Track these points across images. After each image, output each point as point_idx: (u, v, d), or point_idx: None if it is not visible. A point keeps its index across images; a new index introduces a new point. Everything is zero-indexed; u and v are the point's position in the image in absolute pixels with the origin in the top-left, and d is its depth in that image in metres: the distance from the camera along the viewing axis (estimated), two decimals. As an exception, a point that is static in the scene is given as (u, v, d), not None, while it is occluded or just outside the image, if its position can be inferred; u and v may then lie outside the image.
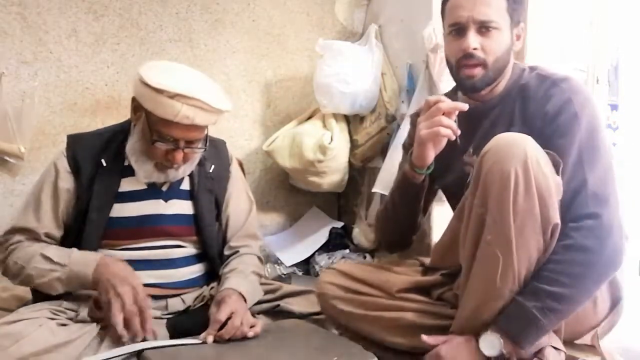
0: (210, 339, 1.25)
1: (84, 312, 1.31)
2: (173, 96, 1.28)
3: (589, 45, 1.97)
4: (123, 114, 2.06)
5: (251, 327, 1.31)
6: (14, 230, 1.40)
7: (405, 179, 1.36)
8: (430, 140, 1.26)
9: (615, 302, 1.23)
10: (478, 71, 1.27)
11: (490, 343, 1.11)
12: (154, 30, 2.20)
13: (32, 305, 1.32)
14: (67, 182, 1.41)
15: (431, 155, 1.29)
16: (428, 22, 1.93)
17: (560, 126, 1.19)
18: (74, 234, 1.41)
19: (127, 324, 1.24)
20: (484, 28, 1.25)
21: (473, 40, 1.25)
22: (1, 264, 1.40)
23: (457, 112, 1.25)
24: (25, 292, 1.49)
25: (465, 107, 1.24)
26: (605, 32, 1.94)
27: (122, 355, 1.20)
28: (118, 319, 1.23)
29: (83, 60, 2.10)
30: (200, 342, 1.26)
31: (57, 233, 1.41)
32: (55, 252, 1.35)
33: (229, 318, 1.29)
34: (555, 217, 1.09)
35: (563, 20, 1.97)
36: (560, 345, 1.15)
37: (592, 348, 1.24)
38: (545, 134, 1.20)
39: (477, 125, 1.33)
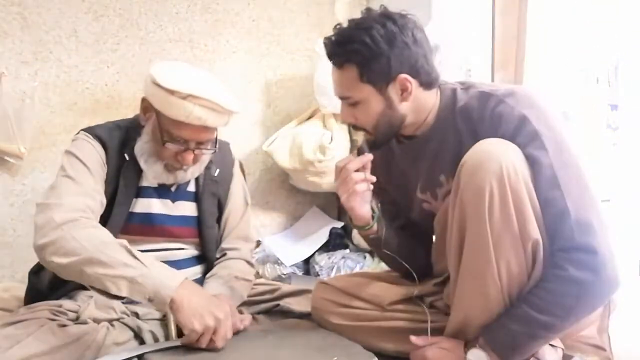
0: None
1: (84, 313, 1.30)
2: (185, 97, 1.27)
3: (588, 45, 1.97)
4: (123, 114, 2.07)
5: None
6: (63, 194, 1.26)
7: (364, 237, 1.37)
8: (354, 201, 1.24)
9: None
10: (369, 136, 1.25)
11: (478, 358, 1.11)
12: (154, 30, 2.20)
13: (33, 306, 1.31)
14: (102, 158, 1.37)
15: (364, 210, 1.27)
16: (427, 22, 1.94)
17: (521, 147, 1.08)
18: None
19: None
20: (350, 101, 1.22)
21: (344, 114, 1.25)
22: (42, 233, 1.20)
23: (368, 165, 1.23)
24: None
25: (369, 157, 1.23)
26: (605, 32, 1.94)
27: (127, 357, 1.19)
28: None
29: (83, 60, 2.09)
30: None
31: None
32: (134, 249, 1.21)
33: None
34: (535, 233, 1.06)
35: (563, 20, 1.97)
36: (557, 342, 1.16)
37: (592, 347, 1.24)
38: None
39: (420, 162, 1.29)
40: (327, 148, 2.19)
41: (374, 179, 1.24)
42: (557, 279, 1.06)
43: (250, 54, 2.40)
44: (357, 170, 1.22)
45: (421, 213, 1.34)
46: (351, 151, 2.32)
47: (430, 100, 1.23)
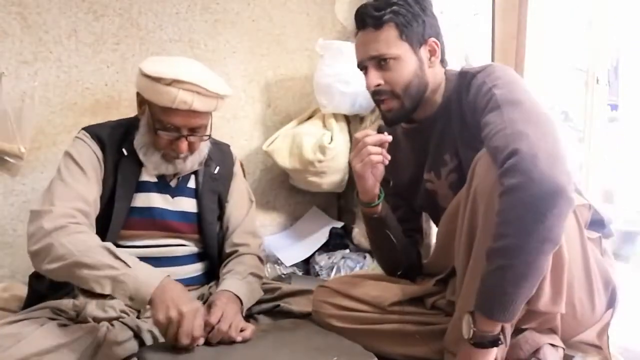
0: (201, 341, 1.23)
1: (84, 313, 1.31)
2: (170, 83, 1.32)
3: (588, 45, 1.97)
4: (123, 114, 2.06)
5: (241, 330, 1.29)
6: (55, 199, 1.29)
7: (366, 217, 1.38)
8: (366, 171, 1.28)
9: (612, 300, 1.22)
10: (393, 104, 1.29)
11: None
12: (154, 30, 2.20)
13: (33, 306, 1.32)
14: (99, 158, 1.41)
15: (374, 186, 1.31)
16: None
17: (480, 105, 1.16)
18: (98, 222, 1.39)
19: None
20: (382, 61, 1.27)
21: (373, 77, 1.28)
22: (33, 241, 1.24)
23: (385, 144, 1.26)
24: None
25: (389, 138, 1.26)
26: (605, 32, 1.94)
27: None
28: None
29: (83, 60, 2.09)
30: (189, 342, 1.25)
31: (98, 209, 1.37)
32: (118, 250, 1.24)
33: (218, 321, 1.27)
34: None
35: (562, 21, 1.97)
36: (558, 342, 1.15)
37: (593, 347, 1.24)
38: (477, 121, 1.16)
39: (427, 143, 1.34)
40: (327, 148, 2.19)
41: (389, 157, 1.28)
42: (500, 199, 1.01)
43: (250, 54, 2.40)
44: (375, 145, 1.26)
45: (424, 195, 1.38)
46: (351, 151, 2.32)
47: (440, 78, 1.32)
